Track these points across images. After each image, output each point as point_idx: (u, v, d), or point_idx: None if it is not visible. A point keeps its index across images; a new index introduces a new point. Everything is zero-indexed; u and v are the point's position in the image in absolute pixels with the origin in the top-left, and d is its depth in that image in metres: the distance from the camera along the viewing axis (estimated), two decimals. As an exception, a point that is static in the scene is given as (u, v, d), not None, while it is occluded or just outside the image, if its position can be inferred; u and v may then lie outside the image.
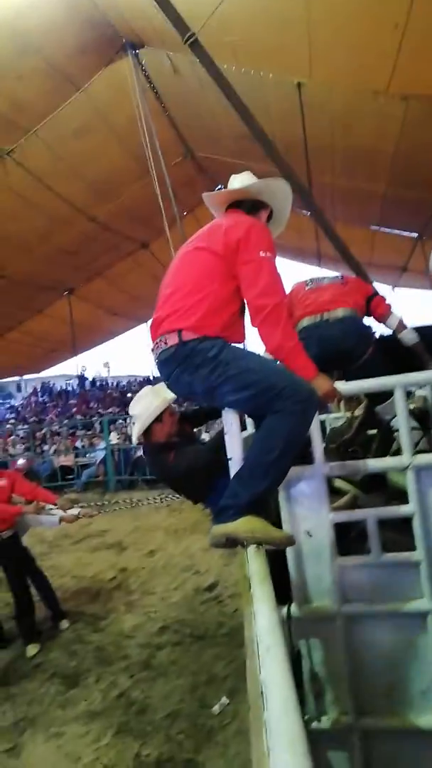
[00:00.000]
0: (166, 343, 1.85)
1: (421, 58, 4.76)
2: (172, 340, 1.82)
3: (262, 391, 1.68)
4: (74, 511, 4.54)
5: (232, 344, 1.83)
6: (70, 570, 5.89)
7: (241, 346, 1.94)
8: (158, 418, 3.06)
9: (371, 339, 3.07)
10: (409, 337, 3.14)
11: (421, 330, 3.23)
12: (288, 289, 3.38)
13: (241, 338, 1.96)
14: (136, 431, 3.14)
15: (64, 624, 4.44)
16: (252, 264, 1.82)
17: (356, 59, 5.16)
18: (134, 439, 3.25)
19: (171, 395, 2.90)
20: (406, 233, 10.08)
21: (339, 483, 2.48)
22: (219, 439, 3.11)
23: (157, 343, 1.90)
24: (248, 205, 2.15)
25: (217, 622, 4.17)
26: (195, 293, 1.84)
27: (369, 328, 3.18)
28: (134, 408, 3.15)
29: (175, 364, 1.85)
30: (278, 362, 1.83)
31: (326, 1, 4.65)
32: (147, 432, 3.07)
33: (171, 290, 1.91)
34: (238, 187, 2.18)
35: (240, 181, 2.22)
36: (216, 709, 3.11)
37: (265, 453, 1.66)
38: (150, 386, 3.26)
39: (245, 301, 1.88)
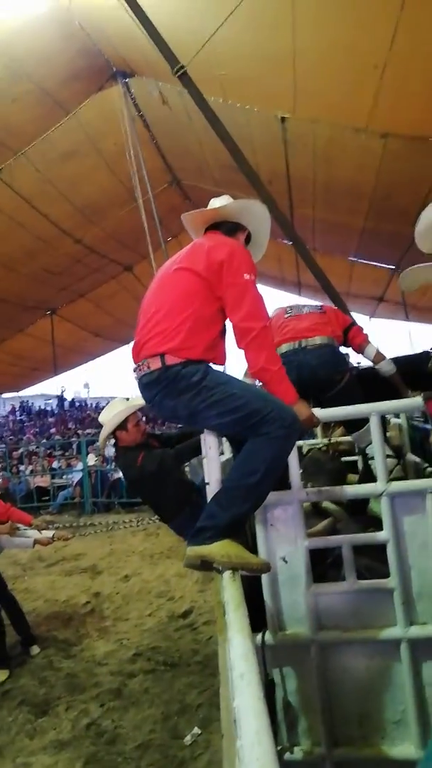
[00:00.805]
0: (149, 367, 1.85)
1: (398, 99, 4.97)
2: (155, 364, 1.83)
3: (248, 416, 1.70)
4: (49, 533, 4.46)
5: (215, 369, 1.85)
6: (43, 594, 5.76)
7: (221, 368, 1.97)
8: (123, 426, 3.18)
9: (346, 367, 3.13)
10: (386, 369, 3.20)
11: (398, 360, 3.29)
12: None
13: (223, 360, 1.97)
14: (101, 437, 3.32)
15: (35, 650, 4.33)
16: (237, 287, 1.84)
17: (338, 96, 5.35)
18: (100, 445, 3.41)
19: (139, 402, 2.99)
20: (383, 265, 10.32)
21: (325, 503, 2.51)
22: (185, 448, 3.20)
23: (139, 366, 1.91)
24: (227, 227, 2.17)
25: (191, 649, 4.11)
26: (177, 314, 1.85)
27: (344, 356, 3.24)
28: (102, 415, 3.31)
29: (157, 389, 1.86)
30: (259, 386, 1.87)
31: (311, 40, 4.83)
32: (115, 439, 3.31)
33: (152, 312, 1.91)
34: (216, 206, 2.21)
35: (219, 203, 2.25)
36: (188, 739, 3.05)
37: (247, 476, 1.67)
38: (122, 397, 3.37)
39: (231, 323, 1.90)
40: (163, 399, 1.86)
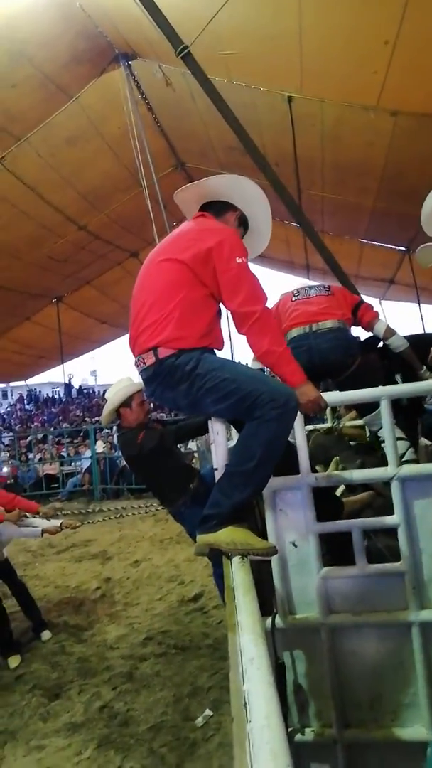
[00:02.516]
0: (144, 363, 1.83)
1: (409, 75, 4.86)
2: (150, 359, 1.80)
3: (241, 400, 1.66)
4: (56, 522, 4.49)
5: (209, 355, 1.80)
6: (54, 580, 5.81)
7: (219, 353, 1.93)
8: (127, 404, 3.20)
9: (358, 351, 3.09)
10: (397, 344, 3.16)
11: (409, 339, 3.25)
12: (275, 300, 3.42)
13: (221, 345, 1.92)
14: (104, 413, 3.36)
15: (47, 635, 4.37)
16: (230, 272, 1.79)
17: (347, 74, 5.25)
18: (103, 421, 3.44)
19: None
20: (394, 246, 10.20)
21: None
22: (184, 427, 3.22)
23: (137, 363, 1.89)
24: (217, 207, 2.10)
25: (201, 633, 4.14)
26: (164, 305, 1.80)
27: (356, 340, 3.20)
28: (108, 392, 3.34)
29: (156, 383, 1.84)
30: (260, 369, 1.83)
31: (318, 16, 4.73)
32: (119, 417, 3.33)
33: (140, 305, 1.88)
34: (199, 181, 2.11)
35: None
36: (200, 721, 3.08)
37: (245, 462, 1.65)
38: (128, 376, 3.39)
39: (228, 309, 1.85)
40: (163, 392, 1.85)
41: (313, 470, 2.24)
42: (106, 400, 3.42)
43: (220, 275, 1.80)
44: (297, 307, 3.16)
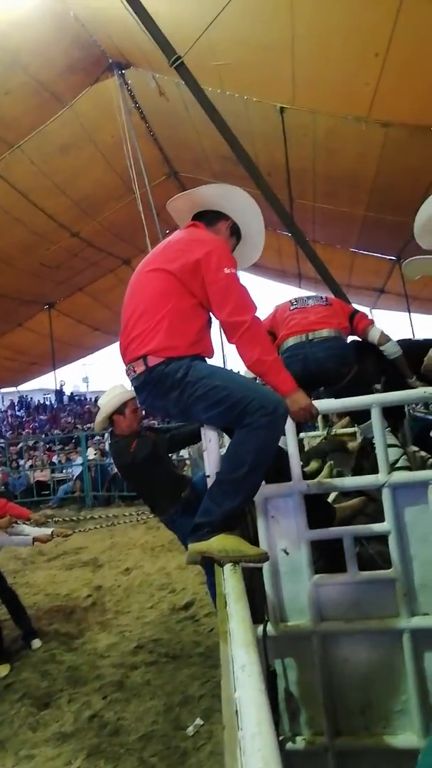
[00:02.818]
0: (135, 371, 1.83)
1: (400, 87, 4.93)
2: (139, 367, 1.81)
3: (231, 407, 1.67)
4: (47, 530, 4.46)
5: (198, 362, 1.80)
6: (44, 588, 5.77)
7: (210, 361, 1.94)
8: (120, 411, 3.20)
9: (354, 361, 3.12)
10: (391, 350, 3.19)
11: (401, 343, 3.28)
12: (271, 311, 3.45)
13: (210, 353, 1.92)
14: (97, 419, 3.33)
15: (37, 643, 4.34)
16: (219, 283, 1.79)
17: (339, 86, 5.31)
18: (96, 428, 3.38)
19: None
20: (384, 256, 10.29)
21: None
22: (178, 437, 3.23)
23: (128, 371, 1.90)
24: (209, 216, 2.10)
25: (192, 641, 4.12)
26: (152, 315, 1.81)
27: (351, 349, 3.23)
28: (101, 399, 3.34)
29: (146, 391, 1.85)
30: (249, 377, 1.84)
31: (310, 28, 4.79)
32: (112, 425, 3.33)
33: (129, 315, 1.89)
34: (191, 191, 2.11)
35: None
36: (190, 730, 3.06)
37: (235, 469, 1.66)
38: (121, 383, 3.40)
39: (218, 320, 1.85)
40: (154, 400, 1.85)
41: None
42: (99, 408, 3.42)
43: (208, 286, 1.80)
44: (294, 316, 3.19)
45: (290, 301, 3.35)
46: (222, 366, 1.96)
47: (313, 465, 3.27)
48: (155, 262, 1.90)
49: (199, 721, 3.11)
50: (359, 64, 4.86)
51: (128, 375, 1.90)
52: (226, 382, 1.72)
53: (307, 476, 2.63)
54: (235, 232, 2.14)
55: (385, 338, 3.20)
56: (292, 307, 3.26)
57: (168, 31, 4.58)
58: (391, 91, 5.01)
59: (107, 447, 10.91)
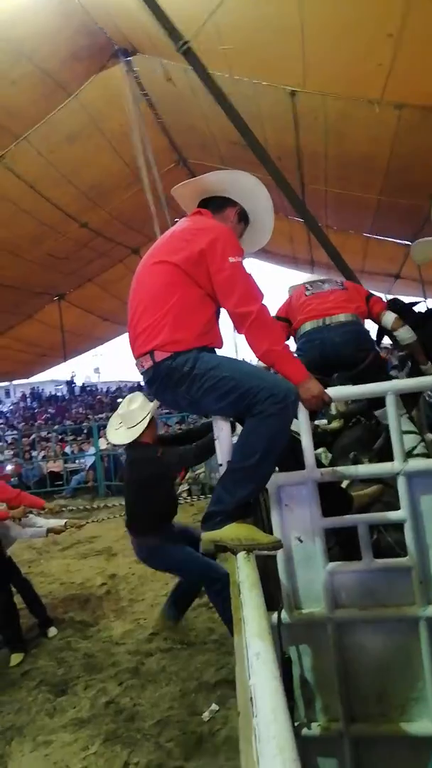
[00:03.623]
0: (143, 366, 1.83)
1: (414, 68, 4.81)
2: (147, 362, 1.80)
3: (240, 397, 1.66)
4: (61, 521, 4.51)
5: (205, 354, 1.78)
6: (59, 577, 5.83)
7: (221, 351, 1.92)
8: (150, 422, 3.21)
9: (371, 345, 3.09)
10: (405, 335, 3.16)
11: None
12: (286, 295, 3.42)
13: (220, 343, 1.91)
14: (137, 427, 3.26)
15: (52, 631, 4.39)
16: (224, 273, 1.77)
17: (350, 67, 5.20)
18: (121, 441, 3.34)
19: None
20: (399, 241, 10.15)
21: None
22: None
23: (137, 365, 1.89)
24: (216, 203, 2.07)
25: (207, 628, 4.15)
26: (157, 309, 1.79)
27: (369, 334, 3.20)
28: (127, 407, 3.28)
29: (155, 385, 1.84)
30: (260, 366, 1.82)
31: (321, 9, 4.68)
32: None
33: (134, 308, 1.88)
34: (196, 178, 2.09)
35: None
36: (206, 716, 3.09)
37: (246, 458, 1.65)
38: (140, 392, 3.39)
39: (225, 310, 1.84)
40: (163, 393, 1.86)
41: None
42: (124, 418, 3.36)
43: (213, 276, 1.79)
44: (310, 301, 3.16)
45: (305, 285, 3.31)
46: (232, 356, 1.93)
47: (335, 424, 3.21)
48: (159, 254, 1.88)
49: (214, 707, 3.14)
50: (372, 45, 4.74)
51: (138, 368, 1.90)
52: (233, 372, 1.71)
53: (327, 434, 2.61)
54: (243, 218, 2.11)
55: (398, 323, 3.17)
56: (307, 293, 3.24)
57: (174, 16, 4.52)
58: (405, 72, 4.89)
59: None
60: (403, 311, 3.51)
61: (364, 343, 3.03)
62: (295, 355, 3.06)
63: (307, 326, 3.06)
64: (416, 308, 3.85)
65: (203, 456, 3.23)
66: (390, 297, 3.96)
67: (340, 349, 2.93)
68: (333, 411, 3.02)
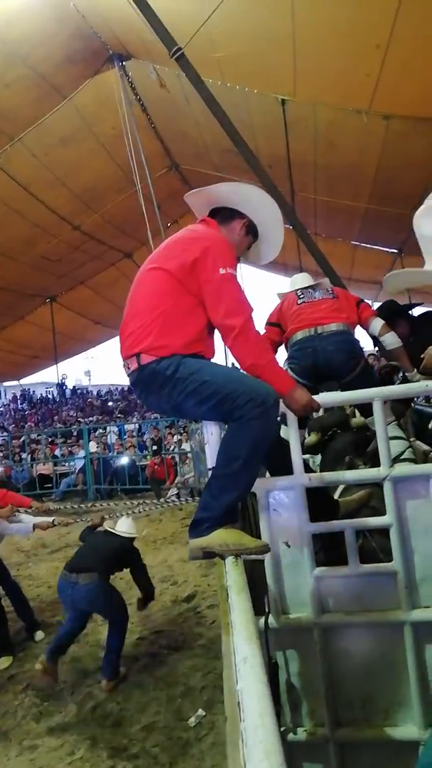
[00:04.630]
0: (129, 368, 1.84)
1: (401, 79, 4.89)
2: (133, 365, 1.81)
3: (221, 401, 1.66)
4: (49, 518, 4.49)
5: (189, 359, 1.78)
6: (47, 580, 5.79)
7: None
8: None
9: (362, 354, 3.12)
10: (391, 341, 3.20)
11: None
12: (277, 301, 3.44)
13: (211, 354, 1.92)
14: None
15: (40, 635, 4.37)
16: (213, 284, 1.77)
17: (340, 78, 5.28)
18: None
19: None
20: (386, 249, 10.24)
21: None
22: None
23: (124, 367, 1.90)
24: (224, 214, 2.07)
25: (194, 633, 4.14)
26: (147, 314, 1.80)
27: (359, 343, 3.23)
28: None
29: (140, 388, 1.85)
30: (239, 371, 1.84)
31: (312, 20, 4.75)
32: None
33: (127, 311, 1.89)
34: (206, 188, 2.08)
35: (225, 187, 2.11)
36: (192, 721, 3.08)
37: (230, 463, 1.66)
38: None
39: (213, 322, 1.83)
40: (147, 396, 1.87)
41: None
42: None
43: (203, 286, 1.79)
44: (303, 310, 3.18)
45: (296, 293, 3.33)
46: (215, 362, 1.93)
47: (313, 438, 3.27)
48: (157, 261, 1.90)
49: (201, 712, 3.14)
50: (361, 56, 4.82)
51: (125, 370, 1.91)
52: (214, 376, 1.71)
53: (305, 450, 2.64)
54: (252, 231, 2.11)
55: (385, 330, 3.21)
56: (299, 301, 3.26)
57: (168, 22, 4.55)
58: (393, 83, 4.97)
59: (108, 440, 10.94)
60: (397, 314, 3.56)
61: (356, 351, 3.07)
62: (288, 362, 3.10)
63: (299, 335, 3.09)
64: (414, 312, 3.89)
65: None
66: (378, 304, 4.01)
67: (332, 357, 2.96)
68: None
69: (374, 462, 2.71)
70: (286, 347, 3.24)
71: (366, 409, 3.04)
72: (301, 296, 3.28)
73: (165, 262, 1.85)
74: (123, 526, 4.11)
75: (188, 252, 1.82)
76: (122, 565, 4.02)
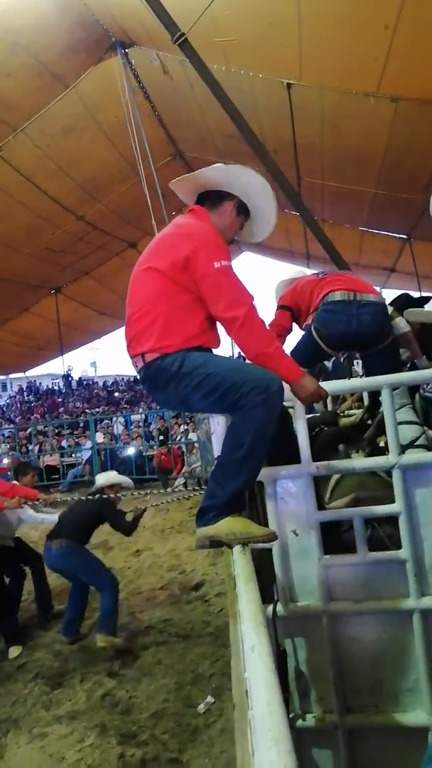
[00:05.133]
0: (137, 366, 1.87)
1: (410, 61, 4.81)
2: (139, 363, 1.84)
3: (226, 392, 1.67)
4: (53, 516, 4.57)
5: (193, 353, 1.78)
6: (54, 570, 5.84)
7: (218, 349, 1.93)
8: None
9: (392, 331, 3.09)
10: (401, 325, 3.17)
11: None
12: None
13: (216, 343, 1.93)
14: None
15: (13, 653, 4.36)
16: (209, 279, 1.76)
17: (346, 60, 5.19)
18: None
19: None
20: (394, 234, 10.14)
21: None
22: None
23: (132, 364, 1.93)
24: (213, 197, 2.04)
25: (202, 621, 4.17)
26: (146, 315, 1.82)
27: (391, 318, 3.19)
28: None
29: (147, 385, 1.88)
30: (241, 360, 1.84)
31: (317, 2, 4.67)
32: None
33: (128, 312, 1.90)
34: (193, 173, 2.04)
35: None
36: (201, 708, 3.11)
37: (235, 450, 1.66)
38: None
39: (214, 316, 1.83)
40: (155, 393, 1.89)
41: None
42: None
43: (199, 283, 1.78)
44: (338, 277, 3.13)
45: (314, 273, 3.31)
46: (219, 354, 1.92)
47: None
48: (149, 260, 1.89)
49: (209, 699, 3.16)
50: (368, 38, 4.73)
51: (133, 367, 1.94)
52: (219, 368, 1.72)
53: None
54: (243, 210, 2.08)
55: (396, 314, 3.19)
56: (320, 275, 3.23)
57: (171, 8, 4.48)
58: (401, 65, 4.88)
59: (114, 430, 10.94)
60: (411, 307, 3.52)
61: (388, 328, 3.03)
62: (314, 322, 3.01)
63: (338, 296, 2.97)
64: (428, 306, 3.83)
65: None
66: (386, 290, 3.98)
67: (367, 326, 2.90)
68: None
69: (373, 448, 2.70)
70: (321, 305, 3.11)
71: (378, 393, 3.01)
72: (323, 273, 3.26)
73: (157, 262, 1.84)
74: (99, 480, 4.55)
75: (177, 249, 1.81)
76: (99, 522, 4.43)
